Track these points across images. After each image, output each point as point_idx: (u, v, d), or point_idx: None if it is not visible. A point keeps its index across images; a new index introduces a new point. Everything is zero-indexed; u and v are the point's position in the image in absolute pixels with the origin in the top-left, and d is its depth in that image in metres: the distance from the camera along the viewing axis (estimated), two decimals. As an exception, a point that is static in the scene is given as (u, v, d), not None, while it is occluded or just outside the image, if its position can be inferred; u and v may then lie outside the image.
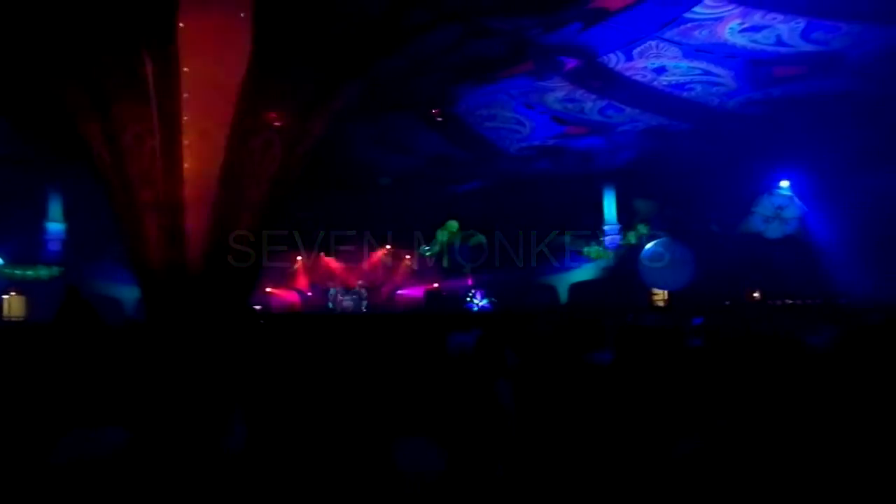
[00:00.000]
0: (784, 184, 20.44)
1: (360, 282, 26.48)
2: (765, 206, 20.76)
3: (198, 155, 10.76)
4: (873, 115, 14.94)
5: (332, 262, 26.61)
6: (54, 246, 21.78)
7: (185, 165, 10.65)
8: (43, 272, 21.13)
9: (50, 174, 19.40)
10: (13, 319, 21.03)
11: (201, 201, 10.87)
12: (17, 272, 20.97)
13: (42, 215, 21.46)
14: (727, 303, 18.98)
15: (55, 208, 21.63)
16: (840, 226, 18.79)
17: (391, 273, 26.88)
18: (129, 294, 20.92)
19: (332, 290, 26.02)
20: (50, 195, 21.46)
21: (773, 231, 20.75)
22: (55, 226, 21.66)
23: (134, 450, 3.02)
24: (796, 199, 20.31)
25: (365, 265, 26.74)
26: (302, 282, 26.33)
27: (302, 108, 11.57)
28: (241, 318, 11.30)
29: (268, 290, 24.22)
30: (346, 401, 4.03)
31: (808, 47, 12.86)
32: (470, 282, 25.23)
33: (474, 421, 3.22)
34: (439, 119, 16.14)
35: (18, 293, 21.82)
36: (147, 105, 10.54)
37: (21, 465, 3.01)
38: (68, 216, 21.68)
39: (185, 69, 10.38)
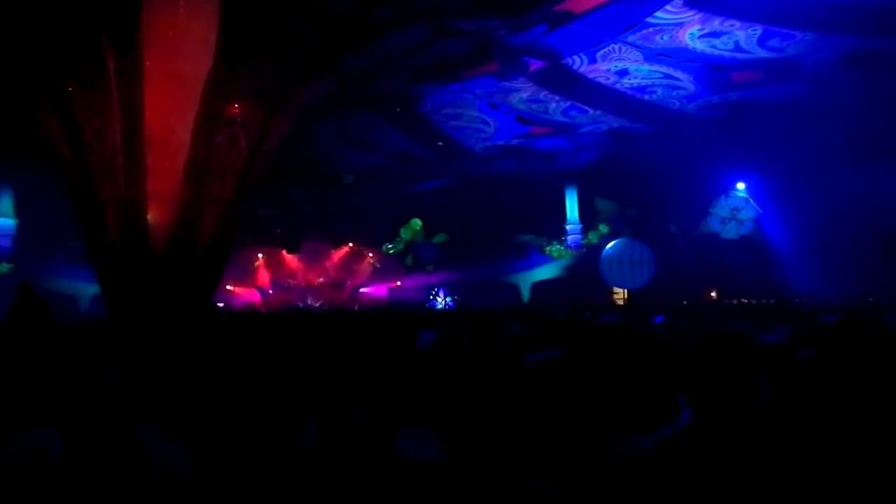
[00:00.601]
0: (740, 186, 20.98)
1: (321, 279, 26.35)
2: (721, 208, 21.29)
3: (161, 150, 10.56)
4: (827, 120, 15.43)
5: (293, 260, 26.43)
6: (4, 242, 21.24)
7: (148, 161, 10.45)
8: (-8, 268, 20.58)
9: (0, 168, 18.87)
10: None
11: (164, 197, 10.67)
12: (-35, 268, 20.38)
13: (-8, 211, 20.94)
14: (685, 302, 19.37)
15: (6, 203, 21.11)
16: (794, 227, 19.36)
17: (354, 271, 26.81)
18: (83, 291, 20.53)
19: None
20: (0, 190, 20.92)
21: (730, 232, 21.28)
22: (6, 221, 21.12)
23: (73, 453, 3.01)
24: (752, 201, 20.86)
25: (327, 263, 26.63)
26: (263, 279, 26.10)
27: (267, 103, 11.47)
28: (203, 315, 11.18)
29: (228, 287, 23.95)
30: (330, 395, 4.06)
31: (764, 54, 13.24)
32: (433, 280, 25.31)
33: (472, 413, 3.30)
34: (397, 109, 16.17)
35: (-34, 290, 21.23)
36: (109, 99, 10.31)
37: None
38: (20, 211, 21.16)
39: (149, 63, 10.20)
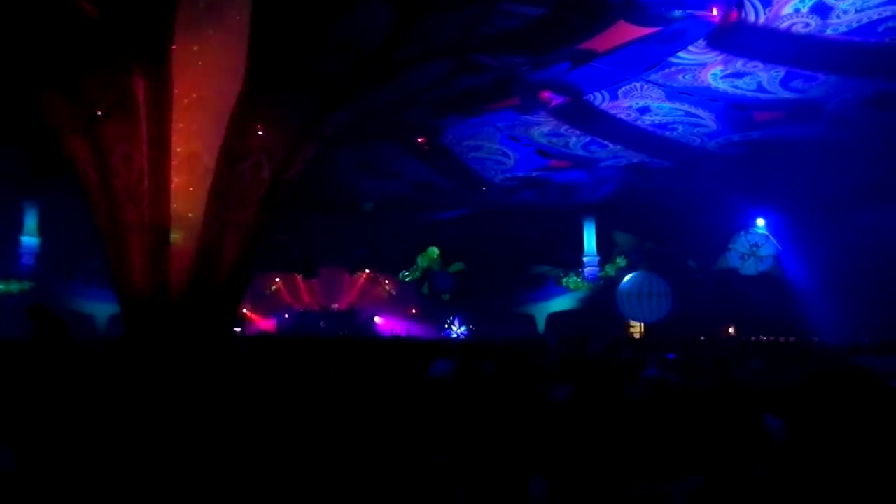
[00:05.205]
0: (760, 222, 20.88)
1: (336, 305, 26.41)
2: (741, 244, 21.17)
3: (186, 176, 10.71)
4: (849, 160, 15.38)
5: (310, 285, 26.53)
6: (27, 260, 21.47)
7: (173, 186, 10.59)
8: (14, 286, 20.78)
9: (26, 188, 19.16)
10: (-19, 334, 20.65)
11: (188, 222, 10.80)
12: (-13, 285, 20.63)
13: (17, 229, 21.18)
14: (702, 338, 19.22)
15: (30, 222, 21.37)
16: (813, 265, 19.20)
17: (369, 298, 26.86)
18: (101, 311, 20.70)
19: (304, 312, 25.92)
20: (25, 209, 21.20)
21: (749, 268, 21.13)
22: (29, 240, 21.37)
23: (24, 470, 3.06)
24: (772, 238, 20.75)
25: (343, 289, 26.71)
26: (279, 304, 26.20)
27: (292, 132, 11.61)
28: (224, 341, 11.25)
29: (245, 311, 24.05)
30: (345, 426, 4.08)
31: (787, 94, 13.27)
32: (448, 308, 25.29)
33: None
34: (426, 148, 16.34)
35: (-13, 307, 21.46)
36: (137, 125, 10.49)
37: None
38: (43, 231, 21.42)
39: (177, 90, 10.39)
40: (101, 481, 3.45)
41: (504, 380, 6.47)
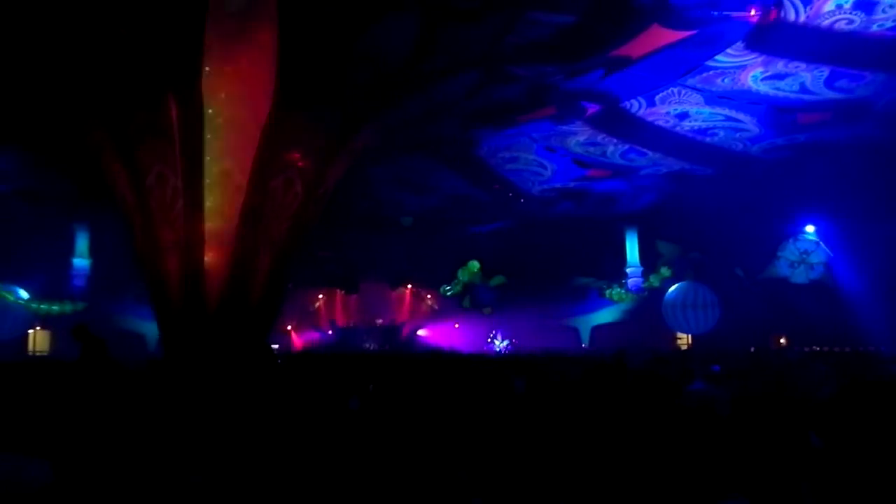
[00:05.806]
0: (809, 228, 20.14)
1: (379, 321, 26.44)
2: (790, 251, 20.42)
3: (219, 194, 10.83)
4: (899, 161, 14.76)
5: (351, 301, 26.64)
6: (80, 281, 21.99)
7: (207, 205, 10.71)
8: (68, 307, 21.33)
9: (77, 210, 19.67)
10: (38, 354, 21.24)
11: (221, 240, 10.90)
12: (42, 307, 21.19)
13: (69, 251, 21.74)
14: (752, 349, 18.59)
15: (82, 244, 21.91)
16: (867, 272, 18.43)
17: (412, 312, 26.84)
18: (152, 330, 21.08)
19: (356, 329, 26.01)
20: (77, 231, 21.77)
21: (799, 276, 20.37)
22: (81, 262, 21.91)
23: (59, 485, 3.01)
24: (822, 244, 19.98)
25: (385, 304, 26.74)
26: (322, 320, 26.37)
27: (323, 148, 11.65)
28: (259, 357, 11.27)
29: (288, 327, 24.27)
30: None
31: (832, 95, 12.78)
32: (491, 322, 25.06)
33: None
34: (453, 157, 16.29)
35: (44, 328, 22.07)
36: (170, 145, 10.66)
37: None
38: (94, 252, 21.94)
39: (209, 110, 10.53)
40: (135, 496, 3.43)
41: (534, 397, 6.28)
